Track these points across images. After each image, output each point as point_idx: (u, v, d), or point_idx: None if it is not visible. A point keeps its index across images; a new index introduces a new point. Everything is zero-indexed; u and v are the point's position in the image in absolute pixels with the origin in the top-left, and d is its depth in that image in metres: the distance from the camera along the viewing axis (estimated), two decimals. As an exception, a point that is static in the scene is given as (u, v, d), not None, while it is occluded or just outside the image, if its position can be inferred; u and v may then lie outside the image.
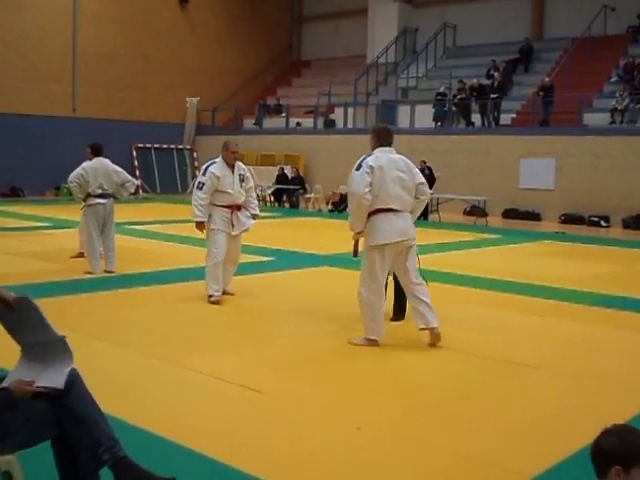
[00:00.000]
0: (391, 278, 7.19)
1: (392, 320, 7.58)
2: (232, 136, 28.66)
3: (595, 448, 2.46)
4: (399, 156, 6.63)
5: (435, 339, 6.50)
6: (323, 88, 28.31)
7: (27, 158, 25.02)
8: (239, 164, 8.51)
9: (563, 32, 25.79)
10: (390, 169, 6.44)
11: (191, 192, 30.14)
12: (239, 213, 8.40)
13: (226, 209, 8.29)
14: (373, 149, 6.62)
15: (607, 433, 2.46)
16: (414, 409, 4.99)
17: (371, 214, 6.41)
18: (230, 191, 8.27)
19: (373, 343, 6.48)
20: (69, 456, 3.23)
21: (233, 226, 8.31)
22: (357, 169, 6.44)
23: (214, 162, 8.37)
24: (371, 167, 6.36)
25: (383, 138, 6.67)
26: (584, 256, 13.76)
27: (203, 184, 8.21)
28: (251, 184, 8.64)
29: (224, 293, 8.42)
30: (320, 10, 33.39)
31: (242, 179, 8.43)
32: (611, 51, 23.96)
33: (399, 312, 7.65)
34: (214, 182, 8.20)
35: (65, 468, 3.28)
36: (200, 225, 8.26)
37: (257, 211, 8.68)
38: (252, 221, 8.60)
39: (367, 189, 6.30)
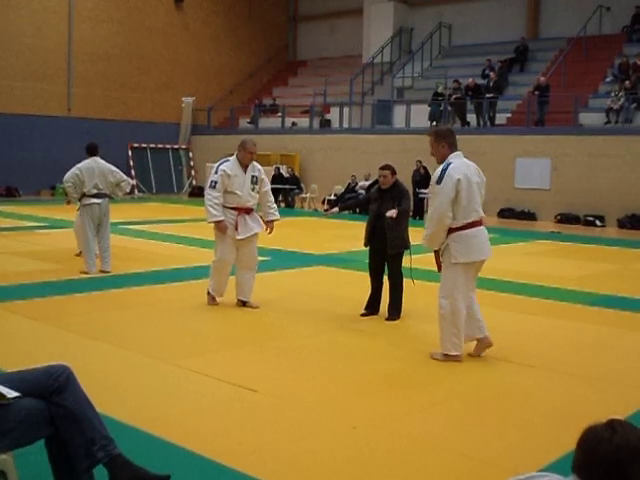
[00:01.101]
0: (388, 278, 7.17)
1: (362, 315, 7.70)
2: (228, 136, 28.86)
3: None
4: (470, 161, 6.20)
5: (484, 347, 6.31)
6: (319, 88, 28.31)
7: (22, 158, 24.99)
8: (255, 165, 7.98)
9: (558, 32, 25.83)
10: (472, 175, 6.00)
11: (186, 192, 29.78)
12: (247, 217, 7.91)
13: (233, 211, 7.85)
14: (442, 156, 6.09)
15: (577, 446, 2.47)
16: (410, 408, 5.00)
17: (464, 227, 5.96)
18: (239, 192, 7.81)
19: (456, 359, 6.04)
20: (63, 455, 3.23)
21: (238, 230, 7.85)
22: (438, 182, 5.91)
23: (227, 160, 7.95)
24: (458, 180, 5.86)
25: (453, 142, 6.15)
26: (579, 256, 13.78)
27: (216, 182, 7.76)
28: (267, 187, 8.11)
29: (244, 305, 8.03)
30: (316, 10, 33.39)
31: (255, 181, 7.92)
32: (606, 51, 24.00)
33: (372, 308, 7.77)
34: (225, 181, 7.79)
35: (59, 467, 3.28)
36: (219, 224, 7.79)
37: (277, 215, 8.15)
38: (260, 228, 8.02)
39: (451, 207, 5.87)
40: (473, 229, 6.00)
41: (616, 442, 2.19)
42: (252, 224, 7.96)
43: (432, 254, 6.27)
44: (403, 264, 7.75)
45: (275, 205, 8.25)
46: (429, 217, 6.08)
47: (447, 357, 6.07)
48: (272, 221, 8.13)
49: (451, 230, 5.96)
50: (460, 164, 6.01)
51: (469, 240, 5.98)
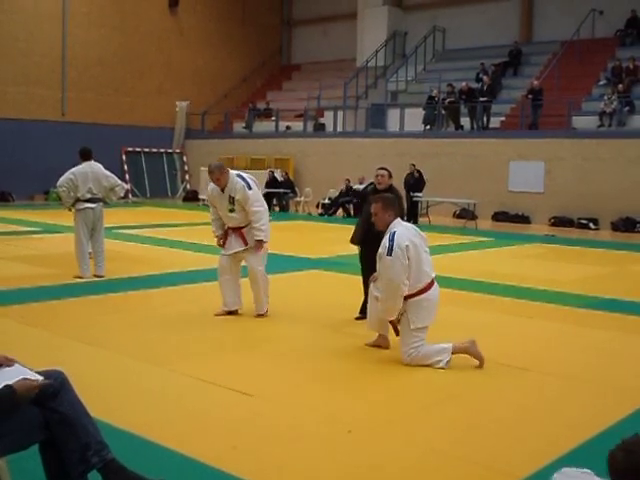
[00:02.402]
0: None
1: (357, 319, 7.65)
2: (222, 140, 28.89)
3: (608, 460, 2.45)
4: (408, 223, 6.39)
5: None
6: (313, 92, 28.33)
7: (16, 163, 24.91)
8: (234, 185, 7.70)
9: (552, 35, 25.90)
10: (415, 237, 6.09)
11: (180, 196, 29.75)
12: (233, 235, 7.85)
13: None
14: (386, 223, 6.17)
15: (620, 447, 2.45)
16: (406, 411, 5.00)
17: (417, 294, 6.03)
18: (220, 213, 7.88)
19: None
20: (57, 460, 3.22)
21: (224, 246, 7.94)
22: (389, 253, 5.91)
23: None
24: (407, 247, 5.92)
25: (397, 212, 6.28)
26: (573, 258, 13.81)
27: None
28: (249, 206, 7.67)
29: (259, 316, 7.89)
30: (310, 14, 33.42)
31: (232, 201, 7.71)
32: (599, 54, 24.08)
33: (366, 312, 7.51)
34: (210, 200, 7.96)
35: (53, 472, 3.27)
36: (217, 238, 8.03)
37: (259, 235, 7.73)
38: (241, 247, 7.81)
39: (406, 274, 5.92)
40: (425, 293, 6.07)
41: None
42: (234, 242, 7.86)
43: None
44: None
45: (261, 223, 7.74)
46: (384, 289, 6.03)
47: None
48: (257, 241, 7.80)
49: (405, 297, 6.00)
50: (402, 230, 6.08)
51: (423, 304, 6.06)
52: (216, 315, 7.82)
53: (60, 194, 10.26)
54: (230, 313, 7.89)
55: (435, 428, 4.66)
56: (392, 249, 5.91)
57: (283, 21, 34.66)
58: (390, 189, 7.68)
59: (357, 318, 7.71)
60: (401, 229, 6.09)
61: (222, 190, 7.75)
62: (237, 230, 7.84)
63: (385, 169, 7.80)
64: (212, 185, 7.89)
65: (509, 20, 27.31)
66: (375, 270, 7.64)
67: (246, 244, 7.83)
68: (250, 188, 7.71)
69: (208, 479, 3.87)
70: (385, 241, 6.03)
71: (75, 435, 3.16)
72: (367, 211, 7.74)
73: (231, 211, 7.76)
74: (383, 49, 28.93)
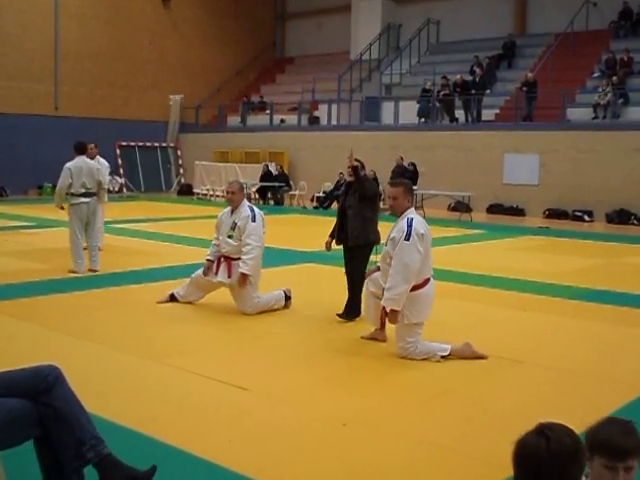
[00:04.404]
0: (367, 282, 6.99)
1: (339, 315, 7.41)
2: (216, 134, 28.82)
3: (529, 452, 2.45)
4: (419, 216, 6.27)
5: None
6: (307, 85, 28.28)
7: (9, 157, 24.80)
8: (242, 210, 7.71)
9: (546, 28, 25.88)
10: (427, 230, 6.05)
11: (175, 190, 29.55)
12: (223, 264, 7.73)
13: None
14: (404, 209, 6.12)
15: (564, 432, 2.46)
16: (399, 405, 5.00)
17: (417, 287, 5.96)
18: (220, 237, 7.80)
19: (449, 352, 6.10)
20: (52, 455, 3.22)
21: (217, 273, 7.78)
22: (407, 238, 5.86)
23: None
24: (422, 235, 5.91)
25: (413, 199, 6.24)
26: (568, 250, 13.82)
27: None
28: (244, 237, 7.55)
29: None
30: (303, 7, 33.35)
31: (234, 227, 7.64)
32: (593, 46, 24.07)
33: (351, 312, 7.41)
34: (218, 225, 7.88)
35: (48, 467, 3.26)
36: (206, 262, 7.90)
37: (243, 268, 7.47)
38: (224, 279, 7.69)
39: (420, 263, 5.89)
40: (423, 288, 6.02)
41: (554, 450, 2.19)
42: (221, 271, 7.75)
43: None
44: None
45: (249, 257, 7.51)
46: (397, 274, 5.86)
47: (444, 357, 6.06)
48: (242, 275, 7.52)
49: None
50: (419, 219, 6.07)
51: (420, 298, 6.00)
52: (159, 302, 7.99)
53: (59, 192, 10.08)
54: (172, 298, 8.05)
55: (432, 422, 4.66)
56: (410, 235, 5.88)
57: (276, 14, 34.58)
58: (357, 176, 7.46)
59: (339, 315, 7.39)
60: (417, 217, 6.08)
61: (231, 212, 7.78)
62: (228, 260, 7.73)
63: (356, 160, 7.58)
64: (225, 210, 7.92)
65: (503, 12, 27.28)
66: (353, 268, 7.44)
67: (229, 276, 7.69)
68: (254, 221, 7.65)
69: (204, 473, 3.87)
70: (402, 226, 5.98)
71: (70, 430, 3.16)
72: (339, 206, 7.66)
73: (229, 237, 7.72)
74: (377, 42, 28.87)
